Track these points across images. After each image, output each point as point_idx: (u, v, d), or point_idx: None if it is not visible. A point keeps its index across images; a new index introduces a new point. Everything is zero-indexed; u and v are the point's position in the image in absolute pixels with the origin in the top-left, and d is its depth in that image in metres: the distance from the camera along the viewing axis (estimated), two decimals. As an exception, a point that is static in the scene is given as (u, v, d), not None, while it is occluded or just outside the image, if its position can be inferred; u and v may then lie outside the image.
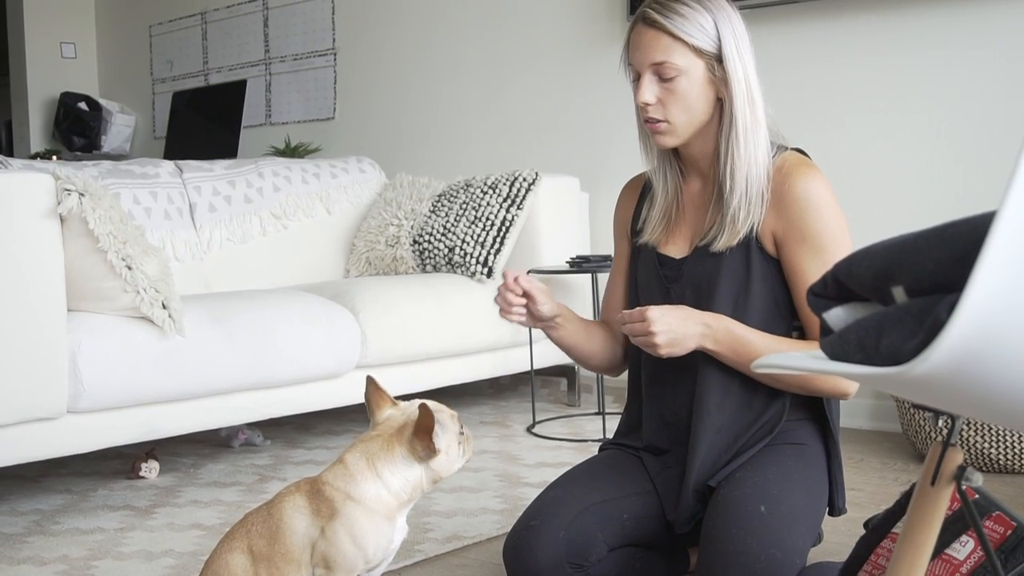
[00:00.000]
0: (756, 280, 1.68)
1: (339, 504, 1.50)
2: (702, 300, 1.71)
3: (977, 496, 1.26)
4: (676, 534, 1.75)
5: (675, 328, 1.61)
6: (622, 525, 1.70)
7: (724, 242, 1.68)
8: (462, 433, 1.61)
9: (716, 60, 1.65)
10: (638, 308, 1.64)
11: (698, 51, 1.63)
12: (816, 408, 1.74)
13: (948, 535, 1.42)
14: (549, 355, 3.54)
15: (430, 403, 1.57)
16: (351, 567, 1.51)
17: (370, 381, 1.64)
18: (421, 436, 1.52)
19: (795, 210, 1.65)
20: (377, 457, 1.53)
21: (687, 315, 1.63)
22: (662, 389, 1.79)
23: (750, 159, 1.66)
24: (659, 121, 1.68)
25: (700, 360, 1.69)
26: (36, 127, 6.14)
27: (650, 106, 1.67)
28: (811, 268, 1.64)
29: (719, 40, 1.64)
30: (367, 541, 1.50)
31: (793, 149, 1.72)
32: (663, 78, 1.65)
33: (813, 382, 1.66)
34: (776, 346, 1.64)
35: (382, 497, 1.52)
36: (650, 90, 1.66)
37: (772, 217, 1.67)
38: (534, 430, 3.32)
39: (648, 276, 1.80)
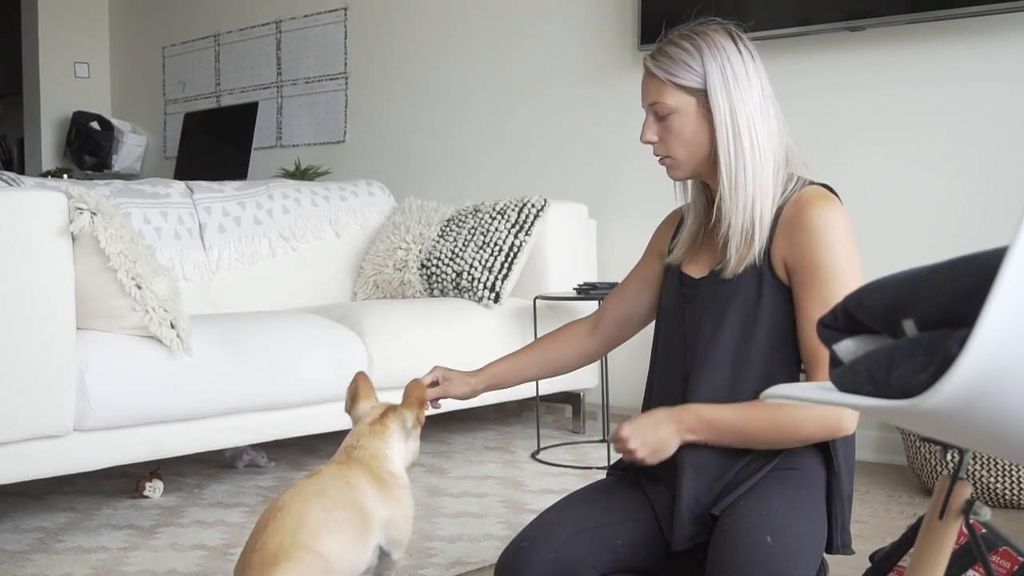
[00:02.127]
0: (765, 306, 1.70)
1: (397, 488, 1.73)
2: (712, 323, 1.73)
3: (984, 530, 1.25)
4: (677, 564, 1.75)
5: (649, 438, 1.66)
6: (614, 551, 1.72)
7: (730, 270, 1.72)
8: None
9: (706, 96, 1.72)
10: (615, 430, 1.70)
11: (687, 89, 1.71)
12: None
13: (954, 569, 1.42)
14: (555, 381, 3.54)
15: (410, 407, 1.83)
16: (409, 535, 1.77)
17: (362, 375, 1.86)
18: (414, 405, 1.80)
19: (806, 239, 1.66)
20: (388, 440, 1.78)
21: (657, 420, 1.68)
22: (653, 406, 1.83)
23: (736, 191, 1.70)
24: (664, 157, 1.77)
25: (687, 389, 1.73)
26: (48, 145, 6.18)
27: (652, 144, 1.77)
28: (815, 298, 1.65)
29: (704, 76, 1.70)
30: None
31: (820, 184, 1.74)
32: (659, 117, 1.74)
33: (801, 430, 1.65)
34: (750, 413, 1.66)
35: (404, 472, 1.78)
36: (650, 129, 1.76)
37: (784, 245, 1.69)
38: (538, 456, 3.31)
39: (669, 295, 1.85)
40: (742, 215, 1.70)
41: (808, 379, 1.69)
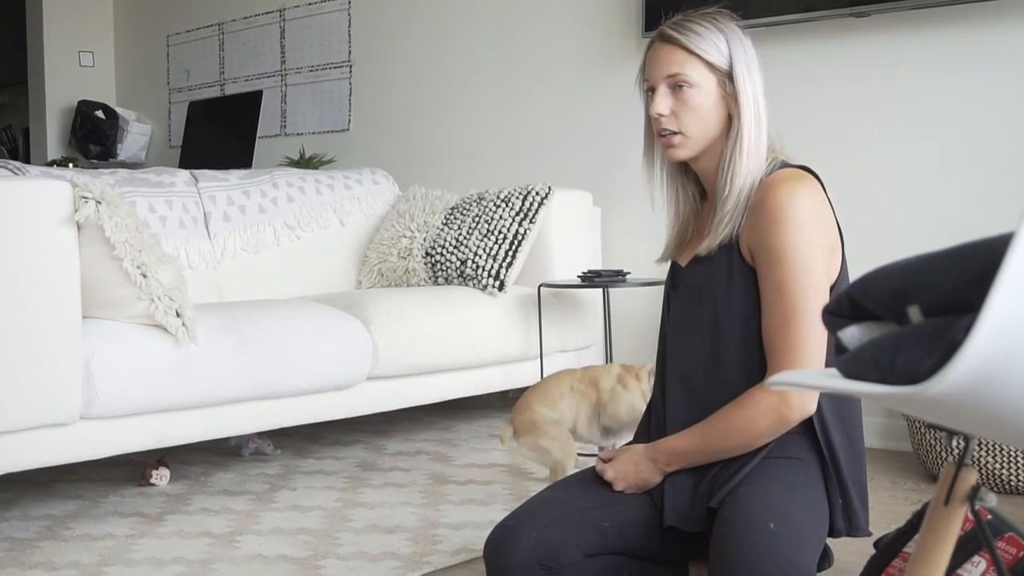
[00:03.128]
0: (737, 286, 1.71)
1: (628, 384, 2.58)
2: (691, 306, 1.77)
3: (990, 517, 1.26)
4: (670, 547, 1.76)
5: (632, 481, 1.77)
6: (601, 533, 1.74)
7: (706, 246, 1.74)
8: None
9: (728, 77, 1.72)
10: (602, 468, 1.82)
11: (711, 66, 1.71)
12: (808, 423, 1.74)
13: (960, 555, 1.42)
14: (559, 369, 3.54)
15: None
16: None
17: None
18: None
19: (764, 220, 1.67)
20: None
21: (635, 462, 1.77)
22: (657, 396, 1.87)
23: (749, 172, 1.71)
24: (673, 133, 1.73)
25: (665, 375, 1.78)
26: (53, 135, 6.18)
27: (664, 117, 1.72)
28: (769, 281, 1.66)
29: (731, 58, 1.71)
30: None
31: (798, 166, 1.73)
32: (677, 90, 1.71)
33: (757, 426, 1.65)
34: (708, 429, 1.70)
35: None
36: (664, 102, 1.72)
37: (748, 226, 1.70)
38: (544, 444, 3.31)
39: (665, 286, 1.89)
40: (735, 194, 1.71)
41: (768, 370, 1.68)
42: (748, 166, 1.70)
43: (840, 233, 1.73)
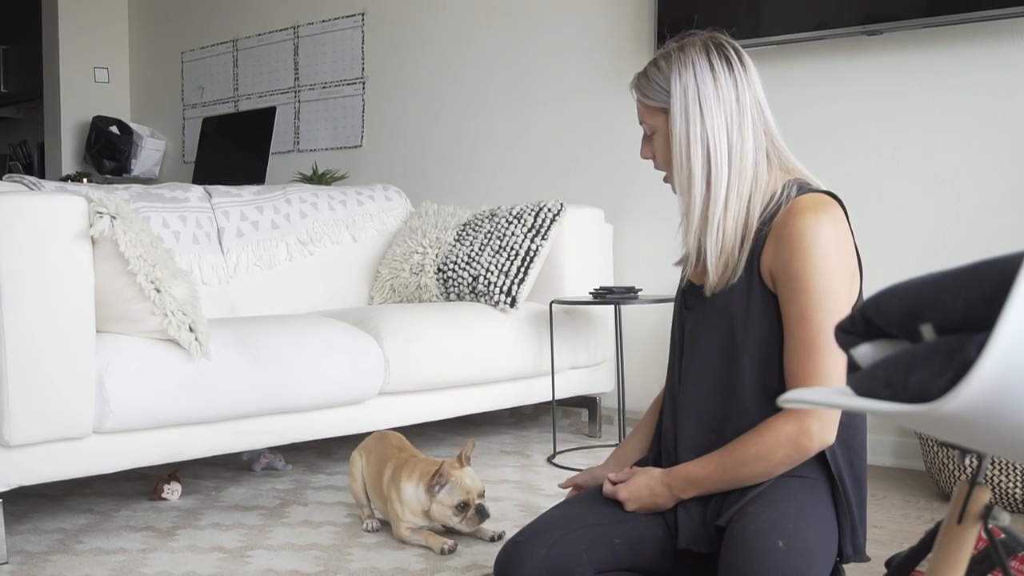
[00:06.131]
0: (756, 312, 1.70)
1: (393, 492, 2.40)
2: (707, 326, 1.76)
3: (1003, 536, 1.25)
4: (682, 565, 1.76)
5: (645, 503, 1.76)
6: (612, 549, 1.74)
7: (708, 288, 1.75)
8: (465, 506, 2.33)
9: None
10: (612, 489, 1.80)
11: (659, 110, 1.75)
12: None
13: (973, 575, 1.41)
14: (571, 386, 3.54)
15: (454, 471, 2.34)
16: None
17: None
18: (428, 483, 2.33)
19: (788, 249, 1.66)
20: (411, 475, 2.38)
21: (650, 486, 1.76)
22: (667, 415, 1.87)
23: (691, 213, 1.73)
24: (663, 173, 1.81)
25: (677, 399, 1.79)
26: (68, 150, 6.22)
27: (648, 159, 1.82)
28: (793, 309, 1.65)
29: (669, 97, 1.73)
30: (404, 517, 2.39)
31: (820, 191, 1.72)
32: (647, 135, 1.80)
33: (775, 455, 1.65)
34: (726, 457, 1.69)
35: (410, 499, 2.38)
36: (644, 146, 1.82)
37: (771, 254, 1.68)
38: (555, 460, 3.31)
39: (678, 302, 1.89)
40: (696, 233, 1.73)
41: None
42: (688, 206, 1.73)
43: (859, 261, 1.72)
